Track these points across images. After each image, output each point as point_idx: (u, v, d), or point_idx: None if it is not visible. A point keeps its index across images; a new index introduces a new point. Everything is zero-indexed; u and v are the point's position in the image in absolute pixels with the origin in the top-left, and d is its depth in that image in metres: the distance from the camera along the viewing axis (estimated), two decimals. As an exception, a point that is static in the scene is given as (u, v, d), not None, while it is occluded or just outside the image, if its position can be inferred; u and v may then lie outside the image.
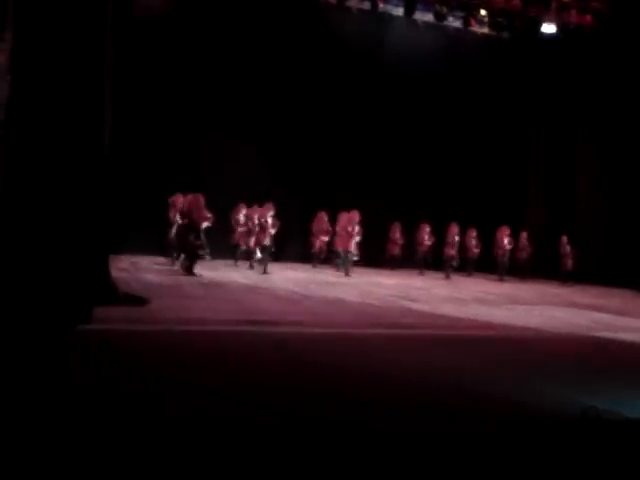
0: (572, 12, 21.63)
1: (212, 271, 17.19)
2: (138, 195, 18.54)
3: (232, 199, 19.07)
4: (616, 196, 22.69)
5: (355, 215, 19.28)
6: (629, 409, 6.05)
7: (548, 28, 21.79)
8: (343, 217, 19.58)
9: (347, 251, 19.14)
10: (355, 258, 19.30)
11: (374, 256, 21.56)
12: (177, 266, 16.64)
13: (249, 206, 18.77)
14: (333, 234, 19.86)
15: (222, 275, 16.57)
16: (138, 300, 10.76)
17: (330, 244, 20.05)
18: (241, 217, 18.82)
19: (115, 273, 12.24)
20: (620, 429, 5.42)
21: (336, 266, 19.79)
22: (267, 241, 17.90)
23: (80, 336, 8.13)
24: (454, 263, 21.02)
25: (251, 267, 18.36)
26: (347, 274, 18.66)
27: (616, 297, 18.38)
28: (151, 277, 14.90)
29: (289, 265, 20.27)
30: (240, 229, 18.81)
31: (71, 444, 4.58)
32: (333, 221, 19.96)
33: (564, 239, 21.74)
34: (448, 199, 23.11)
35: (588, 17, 21.64)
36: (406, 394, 6.50)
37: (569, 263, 21.54)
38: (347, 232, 19.11)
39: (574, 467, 4.77)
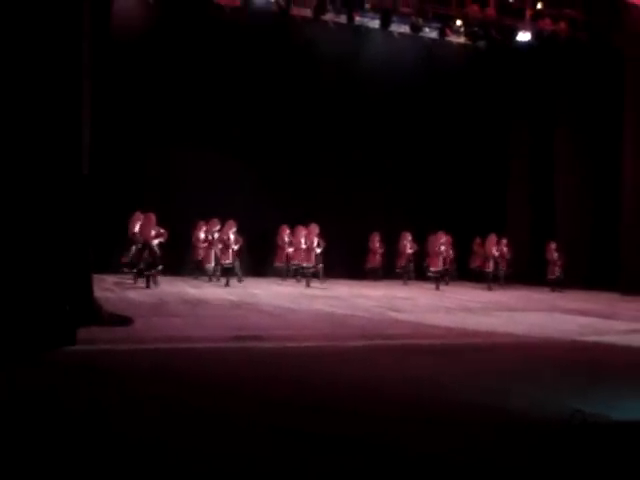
0: (546, 20, 21.86)
1: (196, 288, 17.16)
2: (123, 214, 18.46)
3: (210, 215, 19.22)
4: (596, 199, 22.87)
5: (314, 228, 19.54)
6: (616, 412, 6.06)
7: (523, 36, 22.00)
8: (301, 231, 19.95)
9: (308, 265, 19.55)
10: (318, 269, 19.56)
11: (356, 267, 21.61)
12: (139, 282, 17.00)
13: (207, 222, 19.22)
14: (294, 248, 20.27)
15: (207, 292, 16.51)
16: (123, 320, 10.67)
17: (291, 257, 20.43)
18: (201, 234, 19.30)
19: (99, 293, 12.17)
20: (607, 432, 5.42)
21: (284, 276, 20.28)
22: (230, 257, 18.52)
23: (64, 357, 8.06)
24: (440, 274, 20.99)
25: (217, 279, 18.83)
26: (308, 285, 18.99)
27: (601, 301, 18.45)
28: (136, 296, 14.81)
29: (274, 280, 20.27)
30: (201, 245, 19.23)
31: (56, 466, 4.52)
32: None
33: (552, 245, 21.79)
34: (428, 207, 23.21)
35: (562, 24, 21.88)
36: (395, 404, 6.47)
37: (557, 270, 21.61)
38: (307, 246, 19.58)
39: (562, 471, 4.76)
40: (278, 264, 20.69)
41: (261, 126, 21.18)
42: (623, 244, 21.33)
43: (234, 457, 4.88)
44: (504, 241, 22.15)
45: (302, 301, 15.48)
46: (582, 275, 21.85)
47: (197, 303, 14.26)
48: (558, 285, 21.34)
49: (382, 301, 16.13)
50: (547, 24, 21.80)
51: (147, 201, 18.74)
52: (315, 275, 19.58)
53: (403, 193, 23.02)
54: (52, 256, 9.33)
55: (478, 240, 22.32)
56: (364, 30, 22.62)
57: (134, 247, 17.33)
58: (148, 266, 16.77)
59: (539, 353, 10.13)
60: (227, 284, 17.98)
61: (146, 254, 16.79)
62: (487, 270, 21.58)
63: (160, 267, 17.08)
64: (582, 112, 22.96)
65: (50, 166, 9.44)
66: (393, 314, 13.73)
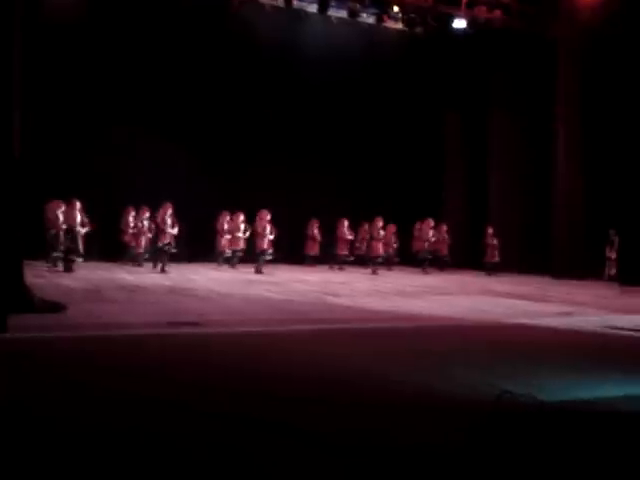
0: (482, 8, 22.15)
1: (132, 274, 17.00)
2: (56, 198, 18.14)
3: (148, 200, 19.05)
4: (530, 184, 23.34)
5: (265, 215, 19.40)
6: (544, 392, 6.22)
7: (459, 24, 22.26)
8: (239, 217, 19.93)
9: (261, 251, 19.41)
10: (269, 257, 19.49)
11: (294, 253, 21.68)
12: (58, 268, 17.08)
13: (137, 208, 19.24)
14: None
15: (143, 278, 16.36)
16: (55, 306, 10.50)
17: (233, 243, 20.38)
18: (130, 219, 19.30)
19: (32, 280, 11.96)
20: (535, 412, 5.57)
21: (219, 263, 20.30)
22: (166, 240, 18.43)
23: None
24: (380, 259, 21.27)
25: (139, 266, 18.89)
26: (257, 272, 18.87)
27: (534, 284, 18.87)
28: (70, 282, 14.59)
29: (212, 265, 20.19)
30: (130, 231, 19.26)
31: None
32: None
33: (489, 230, 22.17)
34: (367, 194, 23.37)
35: (497, 12, 22.20)
36: (329, 388, 6.54)
37: (494, 254, 22.00)
38: (258, 232, 19.45)
39: (488, 452, 4.88)
40: (220, 250, 20.59)
41: (199, 110, 21.02)
42: (554, 233, 21.84)
43: (175, 443, 4.88)
44: (444, 227, 22.48)
45: (239, 286, 15.47)
46: (516, 259, 22.33)
47: (133, 289, 14.12)
48: (494, 269, 21.74)
49: (319, 286, 16.22)
50: (482, 12, 22.14)
51: (81, 186, 18.54)
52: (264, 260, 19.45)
53: (341, 179, 23.12)
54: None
55: (418, 225, 22.61)
56: (302, 14, 22.58)
57: (51, 232, 17.31)
58: (69, 251, 16.86)
59: (471, 335, 10.33)
60: (163, 270, 17.81)
61: (68, 240, 16.85)
62: (424, 254, 21.86)
63: (81, 259, 17.35)
64: (516, 99, 23.42)
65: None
66: (330, 299, 13.83)
